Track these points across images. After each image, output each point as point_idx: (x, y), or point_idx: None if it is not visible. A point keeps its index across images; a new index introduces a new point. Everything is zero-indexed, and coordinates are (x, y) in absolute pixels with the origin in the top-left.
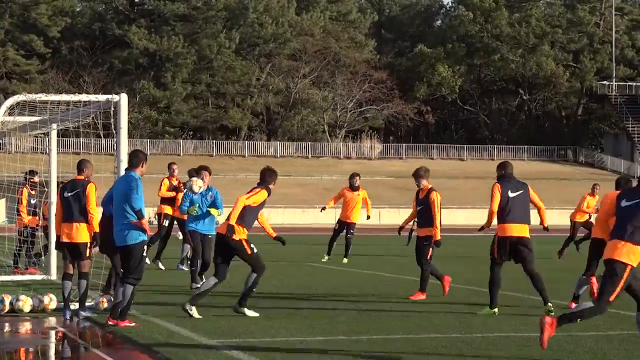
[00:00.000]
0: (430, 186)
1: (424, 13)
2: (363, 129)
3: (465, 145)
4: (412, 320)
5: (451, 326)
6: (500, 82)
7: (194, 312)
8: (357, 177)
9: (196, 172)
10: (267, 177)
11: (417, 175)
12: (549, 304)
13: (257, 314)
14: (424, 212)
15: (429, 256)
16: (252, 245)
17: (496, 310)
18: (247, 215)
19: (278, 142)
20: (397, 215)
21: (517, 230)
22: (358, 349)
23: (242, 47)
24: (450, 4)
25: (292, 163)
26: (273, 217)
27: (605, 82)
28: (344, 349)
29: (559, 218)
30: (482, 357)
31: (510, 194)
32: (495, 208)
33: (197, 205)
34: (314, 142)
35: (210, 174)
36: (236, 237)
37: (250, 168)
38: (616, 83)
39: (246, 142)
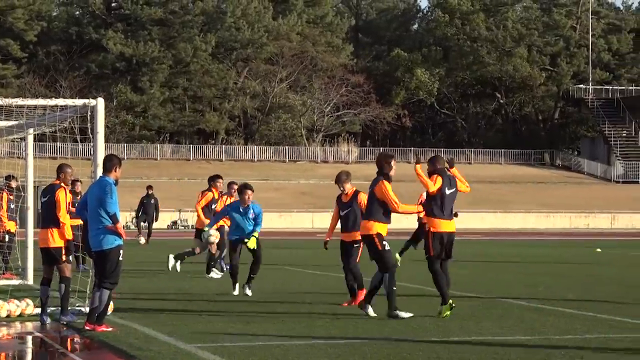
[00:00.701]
0: (354, 189)
1: (400, 17)
2: (340, 133)
3: (442, 149)
4: (389, 324)
5: (428, 330)
6: (478, 86)
7: (370, 310)
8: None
9: (239, 191)
10: (383, 164)
11: (340, 180)
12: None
13: (375, 315)
14: (350, 215)
15: (358, 258)
16: (384, 242)
17: (451, 301)
18: (382, 209)
19: (255, 146)
20: None
21: (450, 226)
22: (336, 353)
23: (219, 51)
24: (427, 8)
25: (269, 167)
26: None
27: (581, 85)
28: (322, 353)
29: (536, 221)
30: None
31: (447, 191)
32: (435, 188)
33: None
34: (291, 146)
35: (252, 191)
36: (373, 231)
37: (228, 172)
38: (593, 87)
39: (223, 146)
